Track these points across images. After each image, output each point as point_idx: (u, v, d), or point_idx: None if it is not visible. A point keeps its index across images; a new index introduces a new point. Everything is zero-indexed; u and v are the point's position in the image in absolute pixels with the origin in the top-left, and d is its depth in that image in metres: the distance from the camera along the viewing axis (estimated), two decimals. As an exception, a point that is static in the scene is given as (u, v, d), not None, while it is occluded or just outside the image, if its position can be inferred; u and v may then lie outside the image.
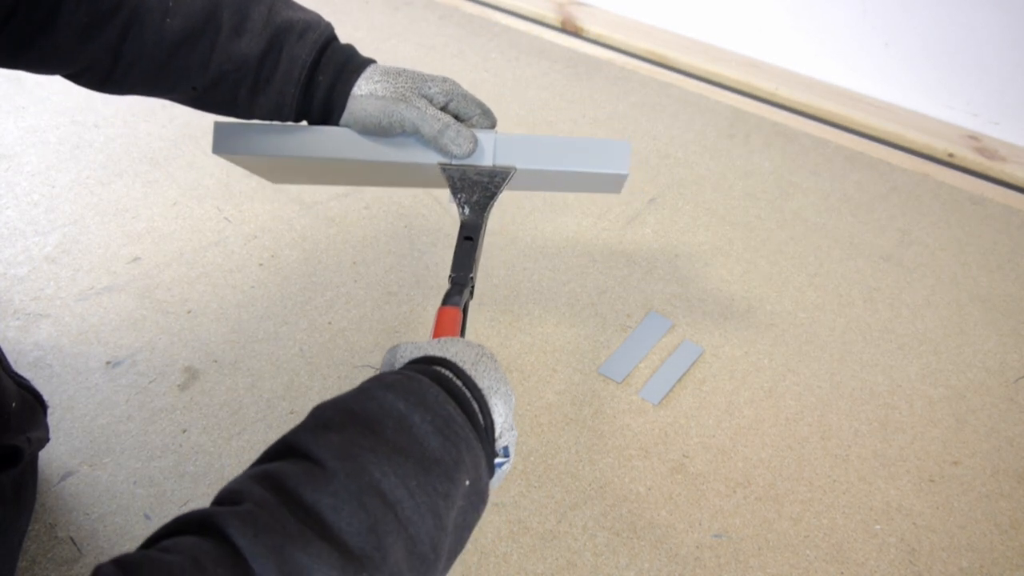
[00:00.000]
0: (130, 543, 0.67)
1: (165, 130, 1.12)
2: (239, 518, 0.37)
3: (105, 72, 0.64)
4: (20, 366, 0.81)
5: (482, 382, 0.47)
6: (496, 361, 0.50)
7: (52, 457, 0.74)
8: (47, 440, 0.72)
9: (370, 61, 0.68)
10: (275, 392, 0.79)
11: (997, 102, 1.07)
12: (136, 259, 0.93)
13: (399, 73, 0.66)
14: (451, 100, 0.66)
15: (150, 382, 0.81)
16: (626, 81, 1.23)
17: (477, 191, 0.69)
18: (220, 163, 1.06)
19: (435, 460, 0.42)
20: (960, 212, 1.00)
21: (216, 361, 0.82)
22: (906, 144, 1.10)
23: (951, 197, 1.02)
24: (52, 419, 0.76)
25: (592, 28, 1.31)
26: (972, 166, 1.06)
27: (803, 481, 0.72)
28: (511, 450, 0.49)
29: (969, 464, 0.73)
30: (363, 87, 0.66)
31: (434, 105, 0.66)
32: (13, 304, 0.88)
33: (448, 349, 0.50)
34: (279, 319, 0.86)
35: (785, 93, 1.17)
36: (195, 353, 0.83)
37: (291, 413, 0.77)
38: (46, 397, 0.78)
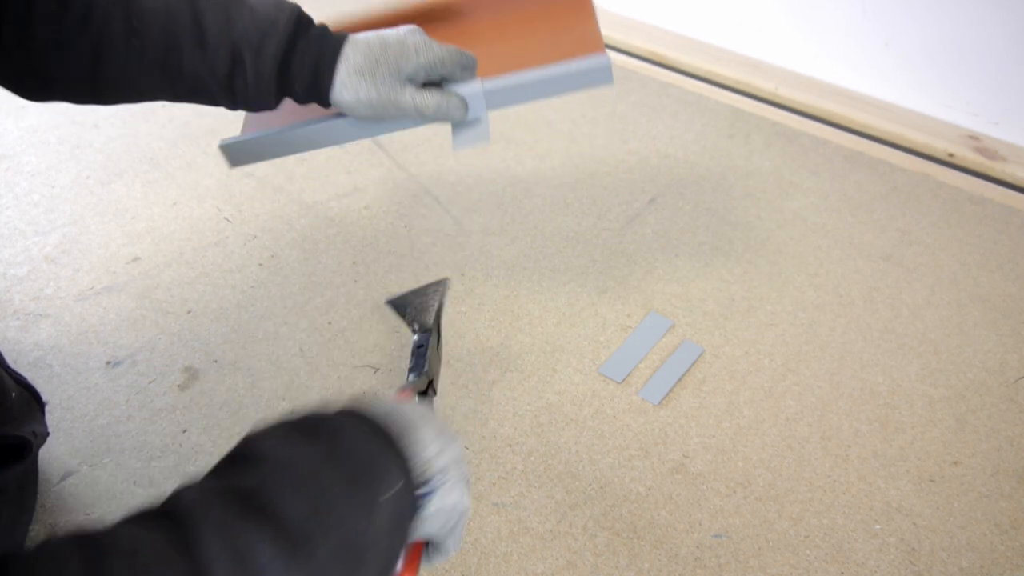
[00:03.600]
0: (130, 543, 0.67)
1: (165, 130, 1.12)
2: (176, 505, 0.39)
3: (87, 89, 0.64)
4: (20, 366, 0.81)
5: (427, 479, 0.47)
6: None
7: (52, 457, 0.74)
8: (47, 435, 0.72)
9: (339, 49, 0.65)
10: (275, 392, 0.79)
11: (997, 102, 1.07)
12: (136, 259, 0.93)
13: (375, 70, 0.65)
14: (431, 70, 0.67)
15: (150, 382, 0.81)
16: (626, 81, 1.23)
17: (422, 311, 0.76)
18: (220, 163, 1.06)
19: (363, 462, 0.43)
20: (960, 212, 1.00)
21: (216, 361, 0.82)
22: (906, 144, 1.10)
23: (951, 197, 1.02)
24: (52, 419, 0.76)
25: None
26: (972, 166, 1.06)
27: (803, 481, 0.72)
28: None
29: (969, 464, 0.73)
30: (345, 95, 0.65)
31: (417, 83, 0.67)
32: (13, 304, 0.88)
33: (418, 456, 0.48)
34: (279, 319, 0.86)
35: (785, 93, 1.17)
36: (195, 353, 0.83)
37: (291, 413, 0.77)
38: (46, 397, 0.78)
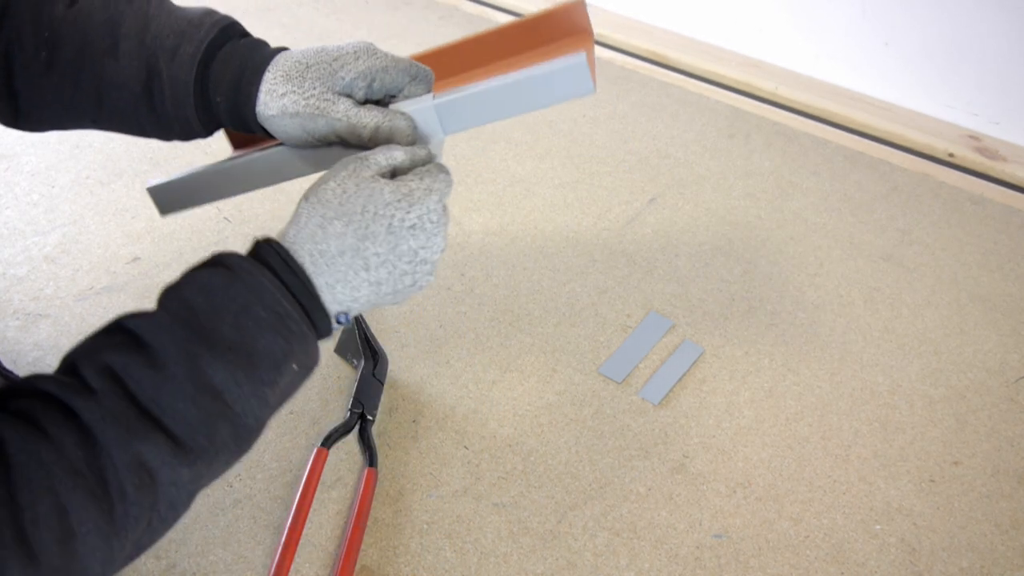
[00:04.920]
0: (130, 543, 0.67)
1: (165, 130, 1.12)
2: (86, 401, 0.42)
3: (12, 108, 0.60)
4: (20, 366, 0.81)
5: (324, 277, 0.50)
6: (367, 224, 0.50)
7: (52, 457, 0.74)
8: None
9: (268, 58, 0.58)
10: (275, 392, 0.79)
11: (997, 102, 1.07)
12: (136, 259, 0.93)
13: (304, 74, 0.56)
14: (373, 80, 0.57)
15: (150, 382, 0.80)
16: (626, 81, 1.23)
17: (352, 346, 0.78)
18: (220, 163, 1.06)
19: (265, 354, 0.46)
20: (960, 212, 1.00)
21: (216, 361, 0.82)
22: (906, 144, 1.10)
23: (951, 197, 1.02)
24: (52, 419, 0.76)
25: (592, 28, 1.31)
26: (972, 166, 1.06)
27: (803, 481, 0.72)
28: (351, 316, 0.52)
29: (969, 464, 0.73)
30: (271, 105, 0.57)
31: (357, 97, 0.57)
32: (13, 304, 0.88)
33: (302, 233, 0.50)
34: (279, 319, 0.86)
35: (785, 93, 1.17)
36: (195, 353, 0.83)
37: (291, 413, 0.77)
38: (46, 397, 0.78)
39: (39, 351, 0.83)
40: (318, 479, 0.71)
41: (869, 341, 0.84)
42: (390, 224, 0.50)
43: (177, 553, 0.66)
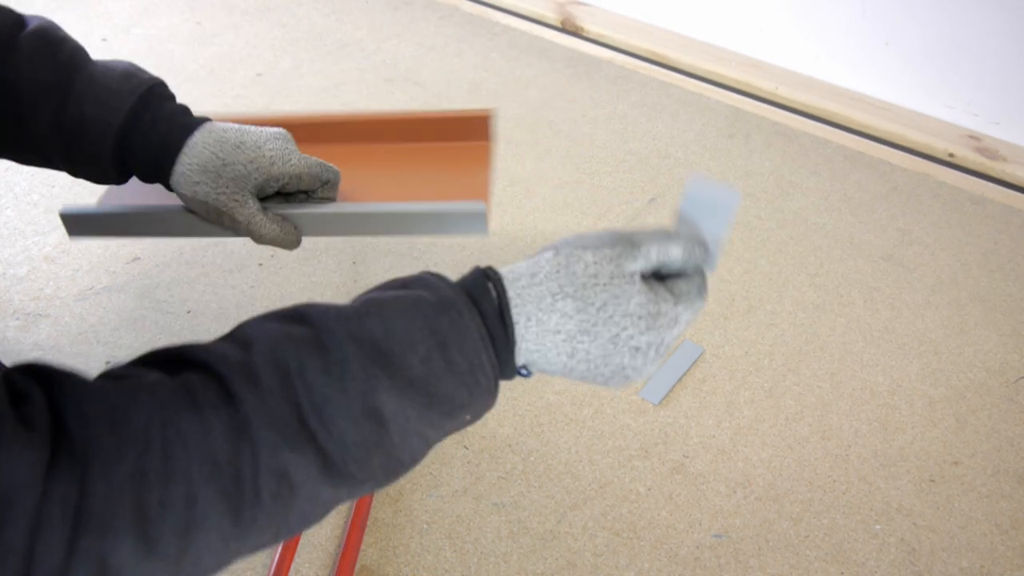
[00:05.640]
0: (130, 543, 0.67)
1: (165, 130, 1.12)
2: (251, 394, 0.39)
3: None
4: (20, 366, 0.81)
5: (528, 343, 0.45)
6: (604, 279, 0.45)
7: (52, 457, 0.74)
8: None
9: (187, 135, 0.60)
10: (275, 392, 0.79)
11: (997, 102, 1.07)
12: (136, 259, 0.93)
13: (220, 171, 0.59)
14: (286, 184, 0.62)
15: (150, 382, 0.80)
16: (626, 81, 1.23)
17: None
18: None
19: (445, 398, 0.43)
20: (960, 212, 1.00)
21: (216, 361, 0.82)
22: (906, 144, 1.10)
23: (951, 197, 1.02)
24: (52, 419, 0.76)
25: (592, 28, 1.31)
26: (972, 166, 1.06)
27: (803, 481, 0.72)
28: (533, 370, 0.48)
29: (969, 464, 0.73)
30: (183, 185, 0.60)
31: (267, 192, 0.62)
32: (13, 304, 0.88)
33: (531, 290, 0.46)
34: (279, 319, 0.86)
35: (785, 93, 1.17)
36: (195, 353, 0.83)
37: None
38: (46, 397, 0.78)
39: (39, 351, 0.83)
40: (318, 479, 0.70)
41: (869, 341, 0.84)
42: (617, 335, 0.45)
43: (177, 553, 0.66)
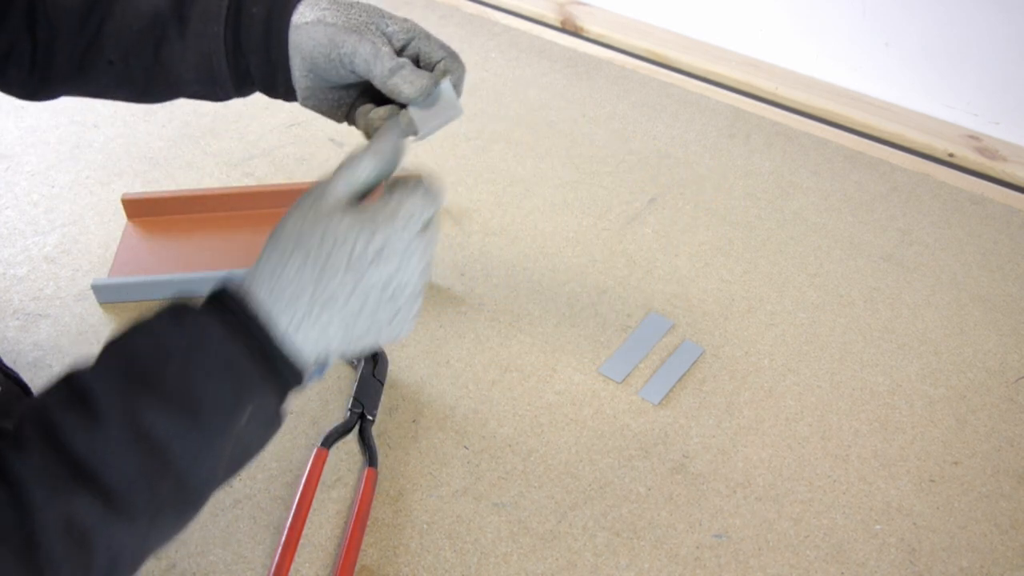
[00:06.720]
0: (130, 543, 0.67)
1: (165, 130, 1.12)
2: (19, 457, 0.39)
3: (28, 60, 0.61)
4: (20, 366, 0.81)
5: (284, 318, 0.45)
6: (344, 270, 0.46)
7: (52, 457, 0.74)
8: None
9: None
10: (275, 392, 0.79)
11: (997, 102, 1.07)
12: (136, 259, 0.93)
13: (352, 4, 0.57)
14: (412, 39, 0.57)
15: (150, 382, 0.80)
16: (626, 81, 1.23)
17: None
18: (219, 163, 1.06)
19: (210, 402, 0.43)
20: (960, 212, 1.00)
21: (216, 361, 0.82)
22: (906, 144, 1.10)
23: (951, 197, 1.02)
24: (52, 419, 0.76)
25: (592, 28, 1.31)
26: (972, 166, 1.06)
27: (803, 481, 0.72)
28: (329, 363, 0.49)
29: (969, 464, 0.73)
30: (308, 14, 0.57)
31: (393, 45, 0.57)
32: (13, 304, 0.88)
33: (260, 273, 0.47)
34: (279, 319, 0.86)
35: (785, 93, 1.17)
36: (195, 353, 0.83)
37: (291, 413, 0.77)
38: (46, 397, 0.78)
39: (39, 351, 0.83)
40: (318, 479, 0.71)
41: (869, 341, 0.84)
42: (351, 254, 0.46)
43: (177, 553, 0.66)
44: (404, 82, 0.55)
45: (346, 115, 0.63)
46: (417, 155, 1.08)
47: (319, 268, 0.46)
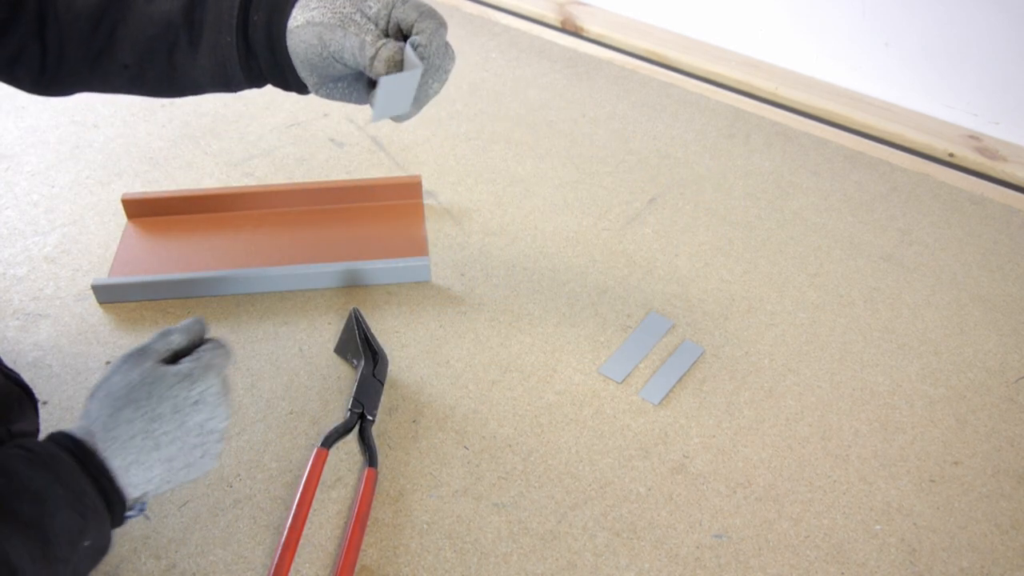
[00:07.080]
0: (129, 544, 0.67)
1: (165, 130, 1.12)
2: None
3: (38, 62, 0.63)
4: (20, 366, 0.81)
5: (118, 459, 0.51)
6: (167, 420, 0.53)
7: (52, 457, 0.74)
8: (36, 433, 0.71)
9: None
10: (275, 392, 0.79)
11: (997, 102, 1.07)
12: (136, 259, 0.93)
13: None
14: (391, 9, 0.60)
15: (150, 382, 0.80)
16: (626, 81, 1.23)
17: (352, 346, 0.80)
18: (219, 163, 1.06)
19: (61, 530, 0.47)
20: (960, 212, 1.00)
21: (216, 361, 0.82)
22: (906, 144, 1.10)
23: (951, 197, 1.02)
24: (51, 419, 0.76)
25: (592, 28, 1.31)
26: (972, 166, 1.06)
27: (803, 481, 0.72)
28: (147, 503, 0.55)
29: (970, 464, 0.73)
30: (299, 17, 0.60)
31: (378, 23, 0.60)
32: (13, 304, 0.88)
33: (94, 423, 0.52)
34: (279, 319, 0.86)
35: (785, 93, 1.17)
36: (195, 353, 0.83)
37: (291, 413, 0.77)
38: (46, 397, 0.78)
39: (39, 351, 0.83)
40: (318, 479, 0.71)
41: (869, 341, 0.84)
42: (175, 403, 0.53)
43: (177, 553, 0.66)
44: (379, 62, 0.59)
45: (366, 96, 0.66)
46: (417, 155, 1.08)
47: (149, 418, 0.52)
